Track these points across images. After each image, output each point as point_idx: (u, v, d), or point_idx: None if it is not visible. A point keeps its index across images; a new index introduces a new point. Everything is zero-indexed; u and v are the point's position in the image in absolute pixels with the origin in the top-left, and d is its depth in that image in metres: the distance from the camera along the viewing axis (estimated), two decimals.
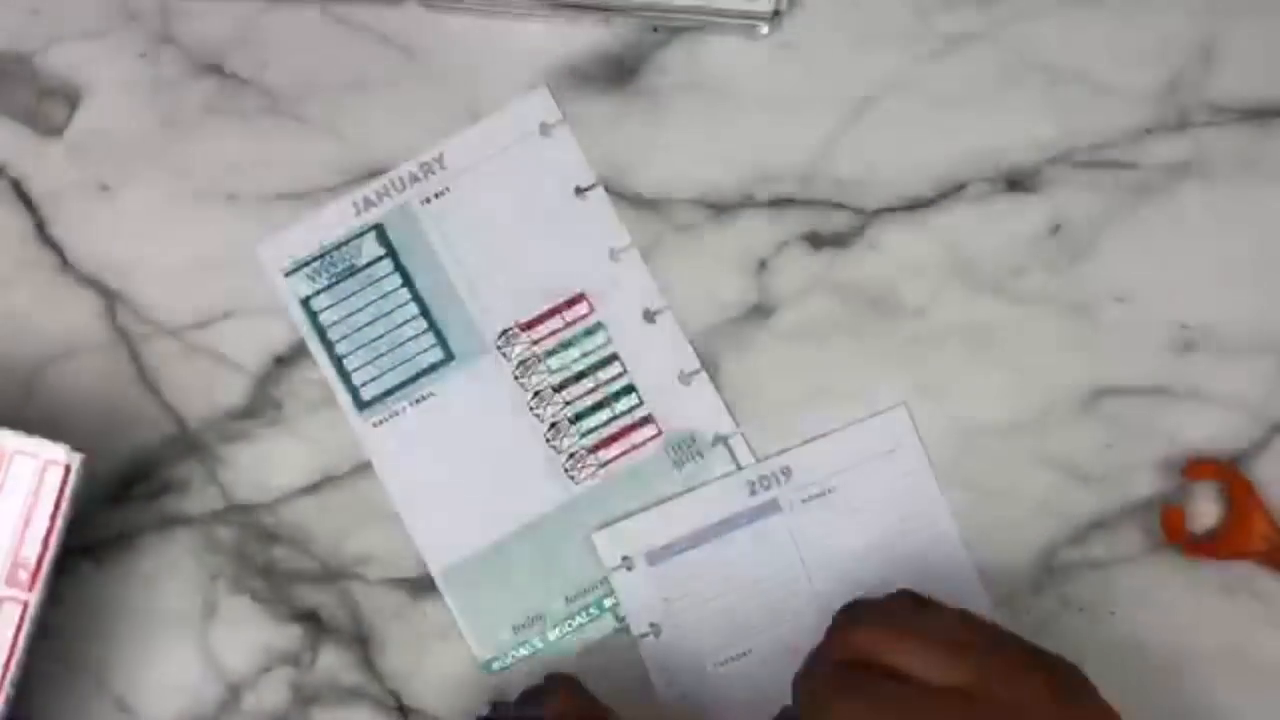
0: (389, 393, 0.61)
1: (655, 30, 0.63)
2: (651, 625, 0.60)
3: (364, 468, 0.61)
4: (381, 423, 0.61)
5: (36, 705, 0.58)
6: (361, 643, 0.60)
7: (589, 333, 0.61)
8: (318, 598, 0.60)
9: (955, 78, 0.62)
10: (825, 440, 0.60)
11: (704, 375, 0.61)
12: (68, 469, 0.51)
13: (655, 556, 0.60)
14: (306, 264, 0.61)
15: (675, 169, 0.62)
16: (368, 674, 0.60)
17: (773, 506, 0.60)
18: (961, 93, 0.62)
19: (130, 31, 0.63)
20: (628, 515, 0.60)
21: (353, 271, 0.61)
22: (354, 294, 0.61)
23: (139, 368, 0.61)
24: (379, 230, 0.62)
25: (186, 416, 0.61)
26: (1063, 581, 0.60)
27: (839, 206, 0.62)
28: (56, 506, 0.50)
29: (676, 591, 0.60)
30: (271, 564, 0.60)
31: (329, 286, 0.61)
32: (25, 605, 0.50)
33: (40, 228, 0.62)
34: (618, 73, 0.63)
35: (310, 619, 0.60)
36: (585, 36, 0.63)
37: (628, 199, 0.62)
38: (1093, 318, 0.61)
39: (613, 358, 0.61)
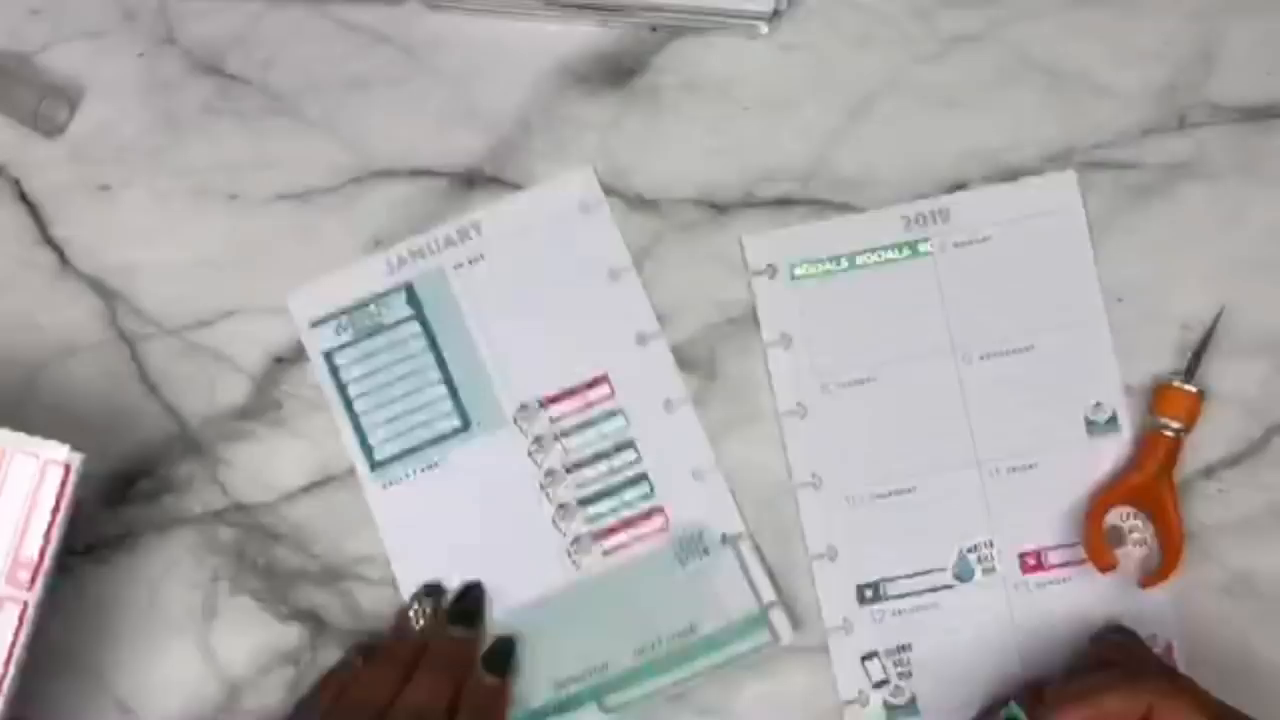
0: (402, 455, 0.60)
1: (655, 30, 0.63)
2: (782, 335, 0.60)
3: None
4: (391, 485, 0.60)
5: (37, 705, 0.58)
6: None
7: (608, 416, 0.60)
8: (318, 598, 0.60)
9: (955, 78, 0.62)
10: (989, 190, 0.61)
11: (719, 474, 0.60)
12: (68, 468, 0.51)
13: (799, 268, 0.60)
14: (334, 317, 0.61)
15: (675, 169, 0.62)
16: None
17: (923, 245, 0.60)
18: (961, 93, 0.62)
19: (130, 31, 0.63)
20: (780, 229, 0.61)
21: (379, 330, 0.61)
22: (378, 352, 0.61)
23: (139, 368, 0.61)
24: (409, 290, 0.61)
25: (187, 416, 0.61)
26: None
27: (839, 206, 0.62)
28: (57, 506, 0.50)
29: (814, 309, 0.60)
30: (271, 564, 0.60)
31: (354, 342, 0.61)
32: (25, 605, 0.50)
33: (40, 228, 0.62)
34: (617, 73, 0.63)
35: (310, 619, 0.60)
36: (585, 36, 0.63)
37: (628, 199, 0.62)
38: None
39: (629, 444, 0.60)
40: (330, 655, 0.60)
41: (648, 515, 0.60)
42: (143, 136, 0.62)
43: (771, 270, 0.61)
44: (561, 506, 0.60)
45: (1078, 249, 0.61)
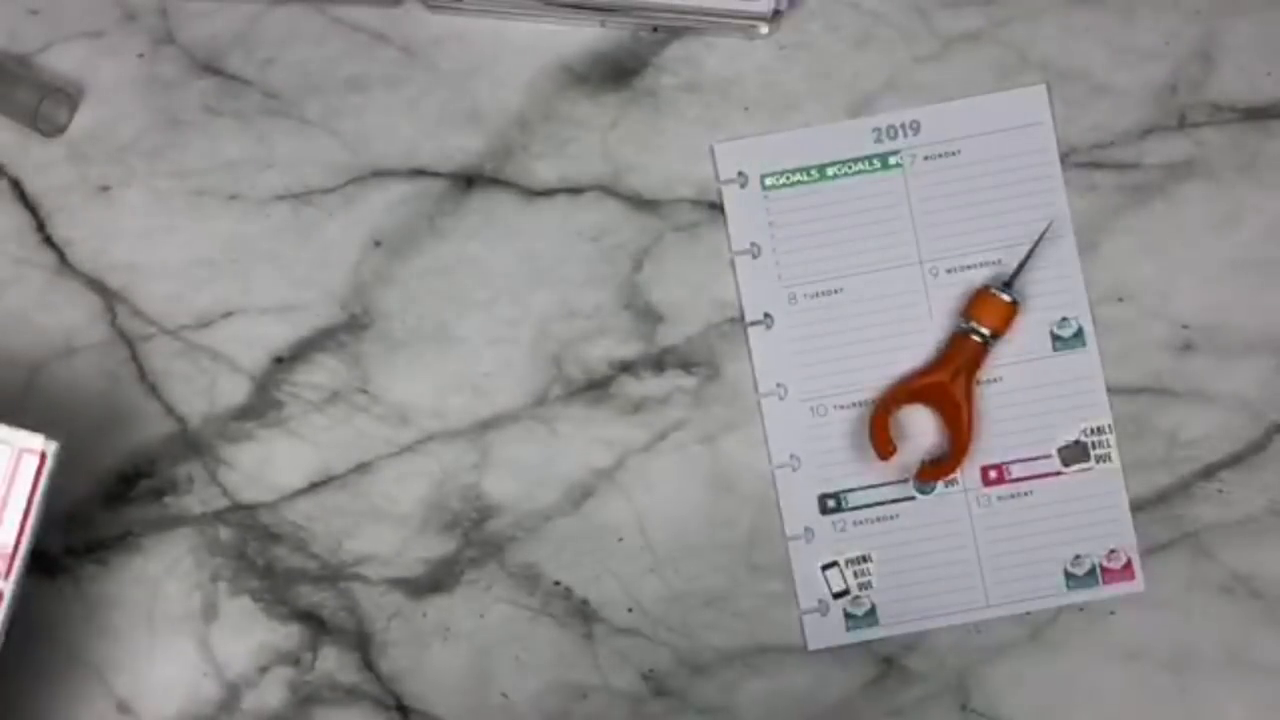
0: None
1: (655, 30, 0.63)
2: (751, 244, 0.61)
3: (364, 467, 0.61)
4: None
5: (37, 704, 0.58)
6: (361, 643, 0.60)
7: None
8: (318, 598, 0.60)
9: (955, 78, 0.62)
10: (961, 102, 0.62)
11: None
12: (43, 456, 0.50)
13: (770, 178, 0.61)
14: None
15: (675, 169, 0.62)
16: (368, 674, 0.60)
17: (894, 157, 0.61)
18: (961, 93, 0.62)
19: (130, 31, 0.63)
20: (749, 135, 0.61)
21: None
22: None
23: (139, 368, 0.61)
24: None
25: (186, 416, 0.61)
26: None
27: None
28: (32, 494, 0.50)
29: (783, 218, 0.61)
30: (271, 564, 0.60)
31: None
32: (1, 594, 0.50)
33: (40, 228, 0.62)
34: (617, 73, 0.63)
35: (310, 619, 0.60)
36: (585, 37, 0.63)
37: (628, 199, 0.62)
38: (1093, 318, 0.61)
39: None
40: (330, 655, 0.60)
41: None
42: (143, 136, 0.62)
43: (743, 179, 0.61)
44: None
45: (1046, 163, 0.61)
